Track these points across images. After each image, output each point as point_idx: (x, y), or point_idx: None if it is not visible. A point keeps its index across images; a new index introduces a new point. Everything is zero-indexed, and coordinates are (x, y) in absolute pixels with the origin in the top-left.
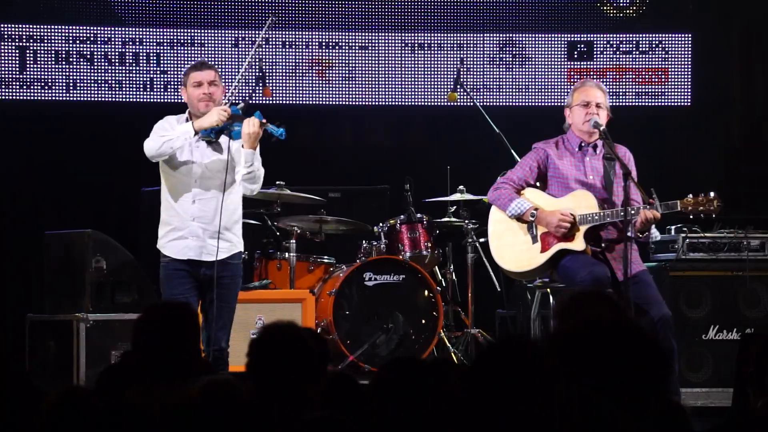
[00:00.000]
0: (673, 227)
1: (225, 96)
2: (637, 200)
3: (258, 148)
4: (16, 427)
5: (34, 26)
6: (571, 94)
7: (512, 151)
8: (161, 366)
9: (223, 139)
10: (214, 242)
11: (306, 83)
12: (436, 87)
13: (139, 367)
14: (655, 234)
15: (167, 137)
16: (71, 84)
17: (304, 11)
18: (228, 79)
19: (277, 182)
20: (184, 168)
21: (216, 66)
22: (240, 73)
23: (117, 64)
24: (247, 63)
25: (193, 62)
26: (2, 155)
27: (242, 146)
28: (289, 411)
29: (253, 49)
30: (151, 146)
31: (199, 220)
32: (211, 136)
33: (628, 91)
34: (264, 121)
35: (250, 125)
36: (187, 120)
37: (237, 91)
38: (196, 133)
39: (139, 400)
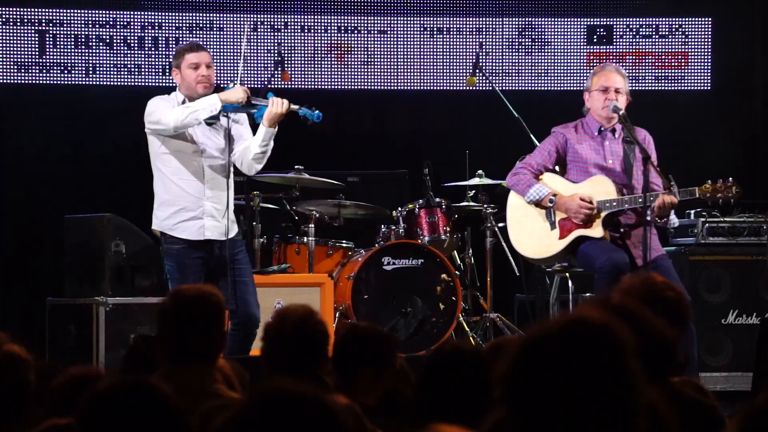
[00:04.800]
0: (692, 211)
1: (236, 80)
2: (657, 184)
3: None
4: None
5: (53, 10)
6: (590, 78)
7: (531, 135)
8: (187, 352)
9: (221, 123)
10: (225, 221)
11: (325, 68)
12: (456, 71)
13: (164, 352)
14: (674, 221)
15: (192, 108)
16: (90, 68)
17: None
18: (247, 63)
19: (296, 166)
20: (192, 148)
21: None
22: (241, 62)
23: (136, 48)
24: (242, 57)
25: (184, 44)
26: (22, 139)
27: (262, 124)
28: None
29: (242, 48)
30: (176, 116)
31: (212, 200)
32: (215, 114)
33: (648, 75)
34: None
35: (278, 105)
36: (183, 102)
37: (245, 75)
38: (225, 110)
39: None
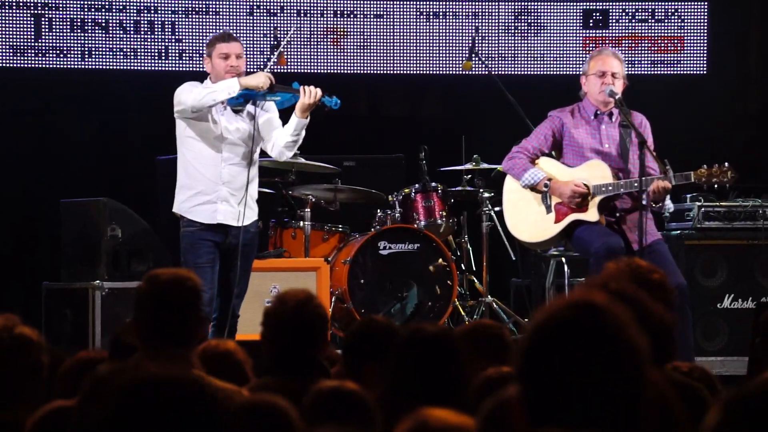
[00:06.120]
0: (688, 196)
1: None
2: (653, 168)
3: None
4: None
5: None
6: (587, 62)
7: (527, 119)
8: (164, 335)
9: (247, 112)
10: (241, 208)
11: (321, 52)
12: (451, 55)
13: (142, 335)
14: (669, 206)
15: (211, 89)
16: (86, 52)
17: None
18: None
19: None
20: (213, 132)
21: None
22: (272, 59)
23: (132, 32)
24: (273, 59)
25: (217, 33)
26: (17, 123)
27: (295, 115)
28: (303, 380)
29: (276, 54)
30: (194, 96)
31: (228, 185)
32: (240, 102)
33: (644, 59)
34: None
35: (311, 95)
36: None
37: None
38: (249, 97)
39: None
